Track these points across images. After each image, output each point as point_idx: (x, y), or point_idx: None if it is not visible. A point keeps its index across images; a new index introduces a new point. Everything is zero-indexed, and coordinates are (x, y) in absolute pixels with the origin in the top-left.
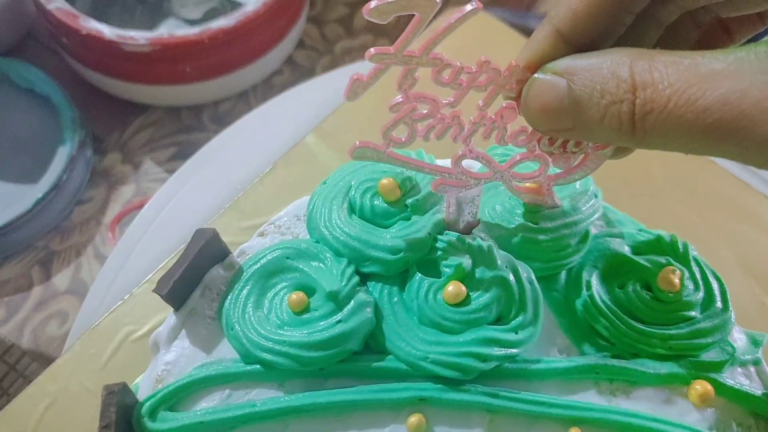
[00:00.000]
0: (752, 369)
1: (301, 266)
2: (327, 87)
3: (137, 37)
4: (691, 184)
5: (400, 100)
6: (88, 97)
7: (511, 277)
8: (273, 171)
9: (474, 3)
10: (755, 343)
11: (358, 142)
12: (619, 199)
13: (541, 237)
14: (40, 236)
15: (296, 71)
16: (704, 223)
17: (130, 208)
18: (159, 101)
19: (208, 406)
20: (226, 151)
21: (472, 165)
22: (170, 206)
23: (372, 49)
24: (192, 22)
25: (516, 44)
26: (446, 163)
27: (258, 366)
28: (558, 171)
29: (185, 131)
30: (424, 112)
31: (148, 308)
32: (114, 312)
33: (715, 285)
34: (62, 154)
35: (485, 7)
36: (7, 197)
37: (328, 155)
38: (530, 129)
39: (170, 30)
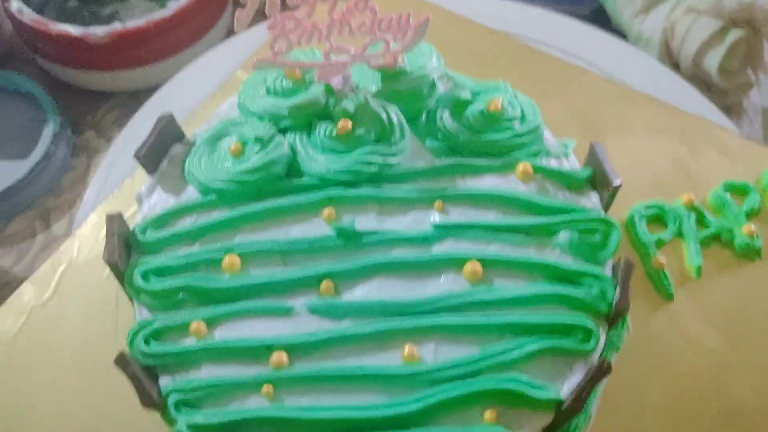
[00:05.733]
0: (563, 160)
1: (235, 130)
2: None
3: (97, 31)
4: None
5: (273, 22)
6: (63, 92)
7: (383, 113)
8: (213, 98)
9: None
10: (565, 146)
11: (256, 59)
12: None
13: (402, 87)
14: (37, 198)
15: None
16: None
17: None
18: (122, 86)
19: (183, 226)
20: (180, 90)
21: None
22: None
23: None
24: None
25: None
26: None
27: (213, 196)
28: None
29: None
30: (292, 26)
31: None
32: (106, 204)
33: (528, 107)
34: (47, 133)
35: None
36: (6, 170)
37: None
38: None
39: (123, 23)
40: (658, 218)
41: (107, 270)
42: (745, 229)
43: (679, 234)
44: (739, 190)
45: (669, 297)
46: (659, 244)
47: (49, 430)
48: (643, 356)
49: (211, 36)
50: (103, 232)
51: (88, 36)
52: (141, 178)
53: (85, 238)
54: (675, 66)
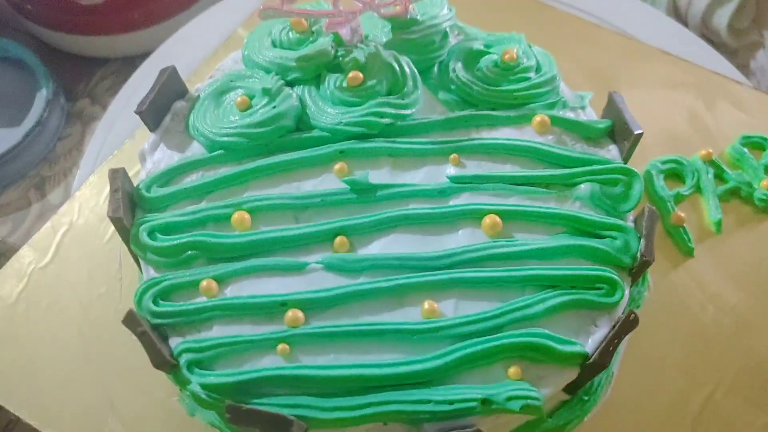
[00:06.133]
0: (580, 112)
1: (241, 84)
2: None
3: None
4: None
5: None
6: (55, 58)
7: (395, 63)
8: (214, 56)
9: None
10: (581, 97)
11: (261, 6)
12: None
13: (413, 36)
14: (31, 166)
15: None
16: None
17: None
18: (116, 52)
19: (189, 182)
20: (179, 50)
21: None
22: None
23: None
24: None
25: None
26: None
27: (220, 151)
28: None
29: None
30: None
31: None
32: (106, 165)
33: (543, 58)
34: (40, 99)
35: None
36: None
37: None
38: None
39: None
40: (675, 173)
41: (109, 232)
42: (764, 183)
43: (698, 189)
44: (757, 145)
45: (689, 253)
46: (678, 199)
47: (52, 393)
48: (664, 313)
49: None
50: (104, 193)
51: None
52: (142, 138)
53: (86, 199)
54: (683, 25)
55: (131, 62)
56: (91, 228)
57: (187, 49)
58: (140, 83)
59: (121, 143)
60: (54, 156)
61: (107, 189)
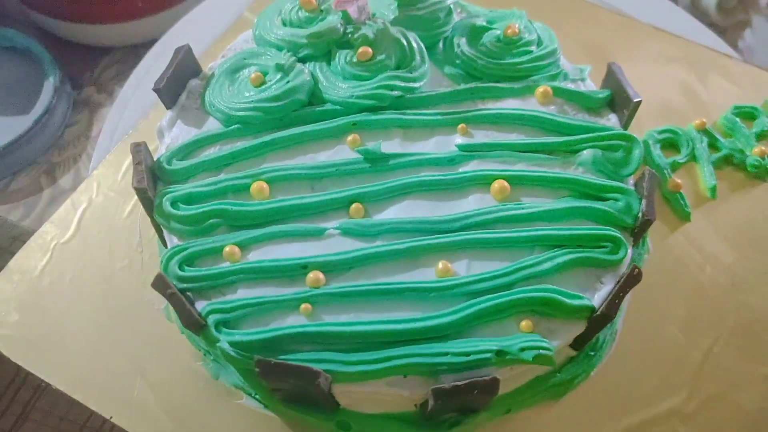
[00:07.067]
0: (580, 83)
1: (254, 61)
2: None
3: None
4: None
5: None
6: (59, 47)
7: (402, 39)
8: (223, 39)
9: None
10: (581, 69)
11: None
12: None
13: (419, 12)
14: (40, 153)
15: None
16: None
17: None
18: (120, 40)
19: (208, 155)
20: (187, 33)
21: None
22: (152, 71)
23: None
24: None
25: None
26: None
27: (236, 126)
28: None
29: None
30: None
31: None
32: (121, 145)
33: (543, 32)
34: (48, 87)
35: None
36: (7, 125)
37: None
38: None
39: None
40: (671, 143)
41: (128, 207)
42: (756, 151)
43: (693, 157)
44: (748, 115)
45: (686, 217)
46: (674, 167)
47: (81, 361)
48: (663, 273)
49: None
50: (121, 171)
51: None
52: (155, 118)
53: (104, 177)
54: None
55: (135, 50)
56: (109, 204)
57: (193, 34)
58: (150, 68)
59: (133, 125)
60: (62, 142)
61: (124, 167)
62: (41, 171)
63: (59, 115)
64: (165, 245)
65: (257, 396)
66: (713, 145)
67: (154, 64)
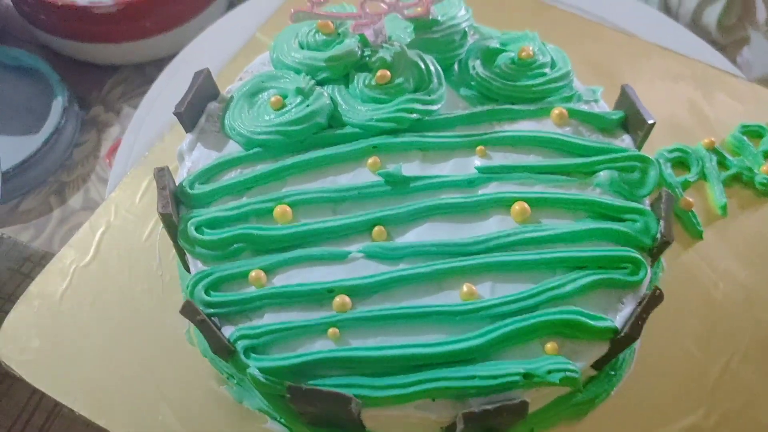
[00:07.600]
0: (593, 104)
1: (273, 84)
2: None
3: (104, 0)
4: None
5: None
6: (66, 66)
7: (420, 62)
8: (236, 60)
9: None
10: (594, 91)
11: (293, 9)
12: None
13: (434, 35)
14: (50, 173)
15: None
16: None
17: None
18: (127, 59)
19: (229, 179)
20: (199, 50)
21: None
22: (165, 93)
23: None
24: None
25: None
26: None
27: (258, 149)
28: None
29: (152, 83)
30: None
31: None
32: (138, 168)
33: (557, 54)
34: (57, 107)
35: None
36: (17, 146)
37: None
38: None
39: None
40: (681, 162)
41: (147, 230)
42: (764, 169)
43: (703, 176)
44: (755, 133)
45: (698, 235)
46: (685, 185)
47: (104, 386)
48: (678, 291)
49: (214, 7)
50: (139, 194)
51: (95, 6)
52: (171, 140)
53: (121, 201)
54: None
55: (141, 69)
56: (128, 227)
57: (205, 55)
58: (162, 89)
59: (148, 145)
60: (71, 162)
61: (141, 189)
62: (51, 191)
63: (68, 134)
64: (187, 269)
65: (282, 420)
66: (722, 164)
67: (167, 85)
